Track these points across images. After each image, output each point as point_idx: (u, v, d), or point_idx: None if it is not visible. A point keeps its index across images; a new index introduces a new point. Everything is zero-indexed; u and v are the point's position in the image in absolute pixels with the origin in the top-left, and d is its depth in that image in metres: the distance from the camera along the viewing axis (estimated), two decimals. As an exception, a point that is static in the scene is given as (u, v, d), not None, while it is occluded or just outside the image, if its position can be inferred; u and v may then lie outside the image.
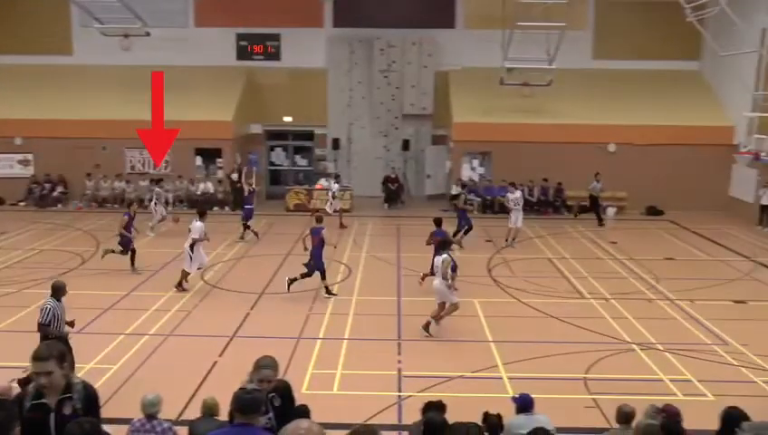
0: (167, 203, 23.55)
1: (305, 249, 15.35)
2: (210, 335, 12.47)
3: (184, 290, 15.18)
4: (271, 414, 5.94)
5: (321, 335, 12.68)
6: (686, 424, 6.40)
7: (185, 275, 15.28)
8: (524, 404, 7.36)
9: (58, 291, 9.67)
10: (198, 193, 26.17)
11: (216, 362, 11.18)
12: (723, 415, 6.06)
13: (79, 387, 5.26)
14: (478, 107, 26.06)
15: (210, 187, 26.25)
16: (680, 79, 27.51)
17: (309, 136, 29.45)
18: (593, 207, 23.73)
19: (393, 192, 26.83)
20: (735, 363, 11.53)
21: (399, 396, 10.12)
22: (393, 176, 27.28)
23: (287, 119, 28.74)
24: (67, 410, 5.32)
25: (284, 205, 25.83)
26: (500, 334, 12.76)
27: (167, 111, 25.17)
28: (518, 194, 20.43)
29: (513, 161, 25.39)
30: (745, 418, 5.66)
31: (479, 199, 25.84)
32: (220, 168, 26.80)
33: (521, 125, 25.66)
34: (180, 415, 9.08)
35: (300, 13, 28.20)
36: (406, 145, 28.12)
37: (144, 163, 26.66)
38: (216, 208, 25.49)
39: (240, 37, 28.64)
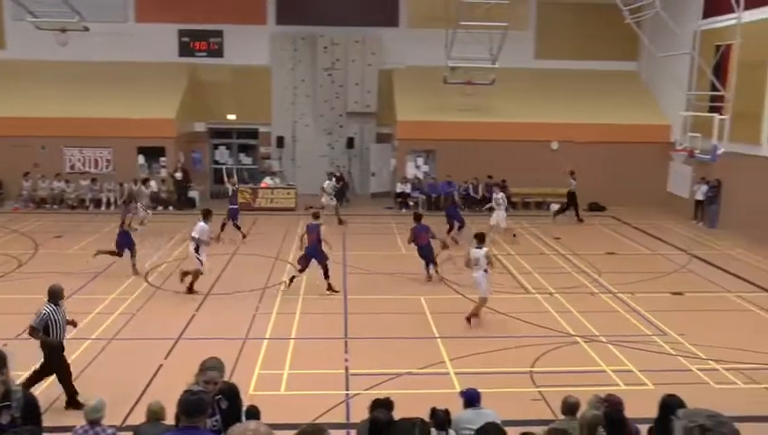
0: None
1: (301, 247, 15.53)
2: (155, 338, 12.22)
3: (195, 293, 14.82)
4: (218, 416, 5.84)
5: (267, 335, 12.55)
6: (628, 412, 6.54)
7: (193, 280, 14.89)
8: (471, 399, 7.42)
9: (54, 295, 9.36)
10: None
11: (161, 365, 10.95)
12: (661, 403, 6.23)
13: (18, 395, 5.08)
14: (422, 105, 26.20)
15: (153, 186, 25.65)
16: (619, 79, 28.21)
17: (253, 134, 29.12)
18: (572, 204, 23.99)
19: (338, 190, 26.72)
20: (673, 353, 11.90)
21: (347, 394, 10.10)
22: (338, 174, 27.17)
23: (231, 117, 28.38)
24: (5, 420, 5.13)
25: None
26: (446, 330, 12.83)
27: (107, 108, 24.64)
28: (501, 194, 20.65)
29: (457, 159, 25.64)
30: (682, 405, 5.81)
31: (424, 197, 25.98)
32: (163, 166, 26.27)
33: (464, 123, 25.90)
34: (125, 420, 8.88)
35: (243, 9, 27.89)
36: (350, 143, 28.07)
37: (84, 162, 25.95)
38: (159, 208, 24.99)
39: (182, 33, 28.15)
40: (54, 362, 9.35)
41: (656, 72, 27.38)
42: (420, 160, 27.27)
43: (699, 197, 23.71)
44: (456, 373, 10.80)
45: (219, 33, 28.20)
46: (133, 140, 25.16)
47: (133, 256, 16.52)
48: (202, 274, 15.01)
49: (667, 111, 26.56)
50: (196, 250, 14.88)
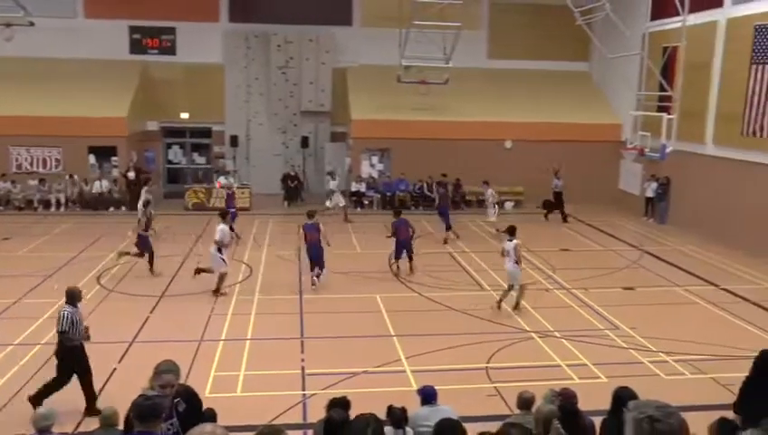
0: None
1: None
2: (108, 342, 11.85)
3: (223, 294, 14.75)
4: (175, 419, 5.74)
5: (223, 337, 12.40)
6: (582, 405, 6.62)
7: (220, 281, 14.86)
8: (428, 396, 7.43)
9: (73, 297, 9.34)
10: (92, 193, 24.88)
11: (114, 370, 10.71)
12: (613, 395, 6.33)
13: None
14: (376, 104, 26.20)
15: (105, 186, 25.11)
16: (571, 79, 28.65)
17: (207, 133, 28.75)
18: (558, 203, 24.15)
19: (293, 190, 26.59)
20: (625, 346, 12.13)
21: (304, 395, 10.04)
22: (293, 173, 27.05)
23: (184, 115, 27.95)
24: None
25: (183, 204, 25.10)
26: (402, 328, 12.85)
27: (56, 106, 24.04)
28: (490, 191, 20.94)
29: (411, 158, 25.71)
30: (634, 397, 5.90)
31: (379, 196, 26.00)
32: (115, 166, 25.71)
33: (419, 122, 25.98)
34: (77, 427, 8.70)
35: (195, 6, 27.51)
36: (305, 142, 27.92)
37: (32, 162, 25.26)
38: (111, 209, 24.50)
39: (133, 30, 27.60)
40: (76, 365, 9.26)
41: (607, 73, 27.88)
42: (375, 159, 27.27)
43: (649, 194, 24.26)
44: (413, 371, 10.81)
45: (171, 31, 27.76)
46: (83, 139, 24.56)
47: (151, 258, 16.52)
48: (226, 274, 14.99)
49: (618, 111, 27.08)
50: (219, 251, 14.91)
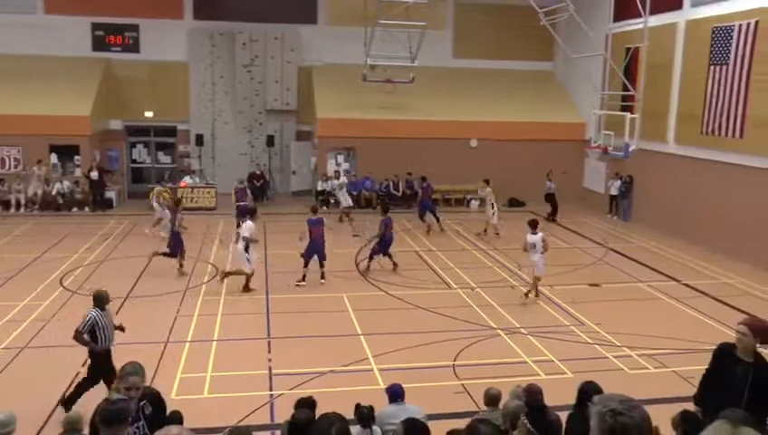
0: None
1: (300, 240, 15.93)
2: (71, 345, 11.61)
3: (251, 290, 14.95)
4: (142, 422, 5.67)
5: (189, 338, 12.26)
6: (549, 401, 6.68)
7: (248, 277, 15.03)
8: (395, 394, 7.44)
9: (100, 300, 9.23)
10: (54, 193, 24.29)
11: (78, 374, 10.46)
12: (579, 390, 6.39)
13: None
14: (342, 103, 26.13)
15: (67, 186, 24.61)
16: (536, 78, 28.93)
17: (171, 132, 28.39)
18: (552, 203, 24.15)
19: (258, 189, 26.41)
20: (590, 342, 12.30)
21: (271, 395, 9.98)
22: (258, 172, 26.87)
23: (148, 114, 27.53)
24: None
25: (148, 204, 24.68)
26: (369, 327, 12.85)
27: (16, 104, 23.51)
28: (488, 190, 20.96)
29: (377, 157, 25.71)
30: (599, 391, 5.97)
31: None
32: (78, 166, 25.24)
33: (384, 121, 25.98)
34: (38, 434, 8.50)
35: (159, 3, 27.11)
36: (270, 141, 27.76)
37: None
38: (75, 209, 24.04)
39: (95, 27, 27.06)
40: (101, 368, 9.13)
41: (571, 73, 28.19)
42: (341, 158, 27.22)
43: (613, 192, 24.64)
44: (380, 370, 10.82)
45: (135, 28, 27.31)
46: (44, 137, 23.99)
47: (182, 256, 16.54)
48: (251, 274, 15.14)
49: (582, 110, 27.41)
50: (246, 249, 14.97)
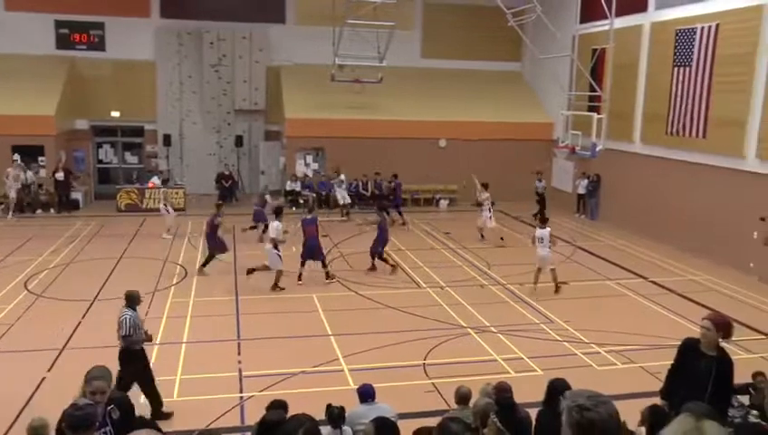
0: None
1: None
2: (36, 349, 11.48)
3: (281, 289, 15.17)
4: (109, 427, 5.57)
5: (158, 341, 12.01)
6: (519, 398, 6.73)
7: (278, 275, 15.23)
8: (365, 394, 7.44)
9: (133, 300, 9.25)
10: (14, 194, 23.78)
11: (44, 379, 10.30)
12: (548, 386, 6.45)
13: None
14: (311, 103, 26.06)
15: (32, 188, 24.11)
16: (504, 79, 29.15)
17: (138, 132, 28.04)
18: (541, 204, 24.18)
19: (227, 189, 26.21)
20: (560, 339, 12.42)
21: (241, 397, 9.89)
22: (227, 173, 26.65)
23: (115, 114, 27.12)
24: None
25: (115, 205, 24.40)
26: (339, 328, 12.83)
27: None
28: (486, 194, 20.59)
29: (346, 157, 25.66)
30: (567, 388, 6.04)
31: (314, 195, 25.87)
32: (42, 166, 24.76)
33: (353, 121, 25.95)
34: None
35: (125, 1, 26.71)
36: (239, 141, 27.56)
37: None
38: (39, 211, 23.60)
39: (59, 24, 26.57)
40: (137, 371, 9.09)
41: (538, 73, 28.44)
42: (310, 158, 27.14)
43: (581, 191, 24.92)
44: (351, 370, 10.80)
45: (100, 26, 26.88)
46: (7, 138, 23.48)
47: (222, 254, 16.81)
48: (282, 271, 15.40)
49: (550, 110, 27.67)
50: (275, 247, 15.12)
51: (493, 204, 20.45)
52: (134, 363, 9.10)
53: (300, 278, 15.84)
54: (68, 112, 25.76)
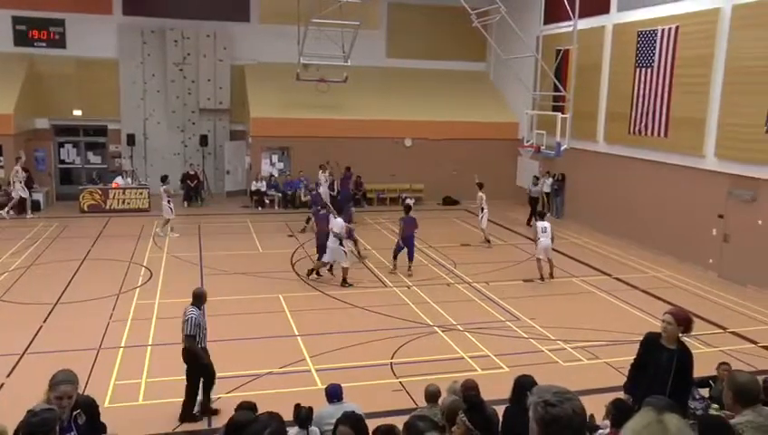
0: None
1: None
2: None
3: (350, 285, 15.59)
4: (74, 433, 5.47)
5: (123, 344, 11.91)
6: (486, 395, 6.79)
7: (345, 271, 15.74)
8: (332, 394, 7.43)
9: (199, 298, 9.30)
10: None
11: (2, 385, 10.08)
12: (514, 383, 6.52)
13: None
14: (276, 102, 25.92)
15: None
16: (470, 79, 29.32)
17: (101, 131, 27.54)
18: (533, 206, 23.82)
19: (192, 189, 25.95)
20: (526, 336, 12.53)
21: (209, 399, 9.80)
22: (192, 173, 26.35)
23: (77, 112, 26.58)
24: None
25: (78, 206, 23.96)
26: (306, 328, 12.79)
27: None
28: (480, 194, 20.33)
29: (312, 156, 25.58)
30: (534, 384, 6.11)
31: (280, 195, 25.76)
32: (0, 166, 24.21)
33: (319, 120, 25.88)
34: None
35: (86, -3, 26.23)
36: (204, 141, 27.30)
37: None
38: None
39: (17, 21, 25.86)
40: (202, 368, 9.10)
41: (503, 73, 28.63)
42: (275, 158, 27.01)
43: (546, 189, 25.14)
44: (318, 370, 10.77)
45: (60, 23, 26.26)
46: (-37, 137, 23.02)
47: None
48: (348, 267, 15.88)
49: (515, 110, 27.90)
50: (341, 243, 15.63)
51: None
52: (198, 362, 9.12)
53: (331, 271, 16.39)
54: (27, 111, 25.17)
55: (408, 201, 18.69)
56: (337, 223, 15.67)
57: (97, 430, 5.70)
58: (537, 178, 24.33)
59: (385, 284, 16.01)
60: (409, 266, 16.91)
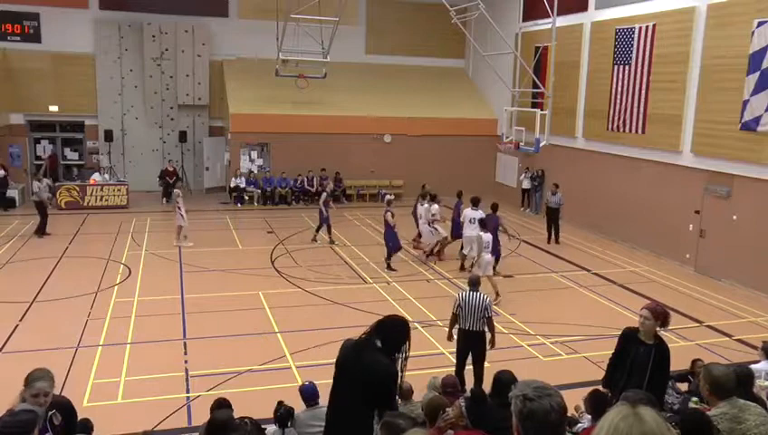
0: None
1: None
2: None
3: (442, 258, 17.79)
4: (50, 433, 5.42)
5: (101, 342, 11.80)
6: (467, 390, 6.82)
7: (443, 243, 17.98)
8: (309, 396, 7.35)
9: (474, 284, 9.96)
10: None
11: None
12: (494, 378, 6.56)
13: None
14: (255, 98, 25.82)
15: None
16: (449, 75, 29.41)
17: (79, 127, 27.25)
18: (554, 220, 23.72)
19: (171, 186, 25.75)
20: (506, 331, 12.57)
21: (188, 397, 9.75)
22: (171, 169, 26.17)
23: (53, 108, 26.24)
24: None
25: (55, 203, 23.66)
26: (286, 324, 12.77)
27: None
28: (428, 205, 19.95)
29: (291, 152, 25.53)
30: (513, 379, 6.15)
31: (259, 191, 25.66)
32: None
33: (298, 116, 25.82)
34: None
35: (60, -9, 25.86)
36: (183, 137, 27.11)
37: None
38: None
39: (-12, 14, 25.55)
40: None
41: (482, 70, 28.70)
42: (255, 154, 26.90)
43: (525, 185, 25.33)
44: (298, 367, 10.77)
45: (35, 16, 25.86)
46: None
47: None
48: (441, 241, 17.89)
49: (494, 106, 28.02)
50: (430, 225, 17.68)
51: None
52: None
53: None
54: (1, 106, 24.80)
55: (388, 197, 18.60)
56: (435, 208, 17.82)
57: (73, 431, 5.64)
58: (557, 187, 21.40)
59: (365, 280, 16.01)
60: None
